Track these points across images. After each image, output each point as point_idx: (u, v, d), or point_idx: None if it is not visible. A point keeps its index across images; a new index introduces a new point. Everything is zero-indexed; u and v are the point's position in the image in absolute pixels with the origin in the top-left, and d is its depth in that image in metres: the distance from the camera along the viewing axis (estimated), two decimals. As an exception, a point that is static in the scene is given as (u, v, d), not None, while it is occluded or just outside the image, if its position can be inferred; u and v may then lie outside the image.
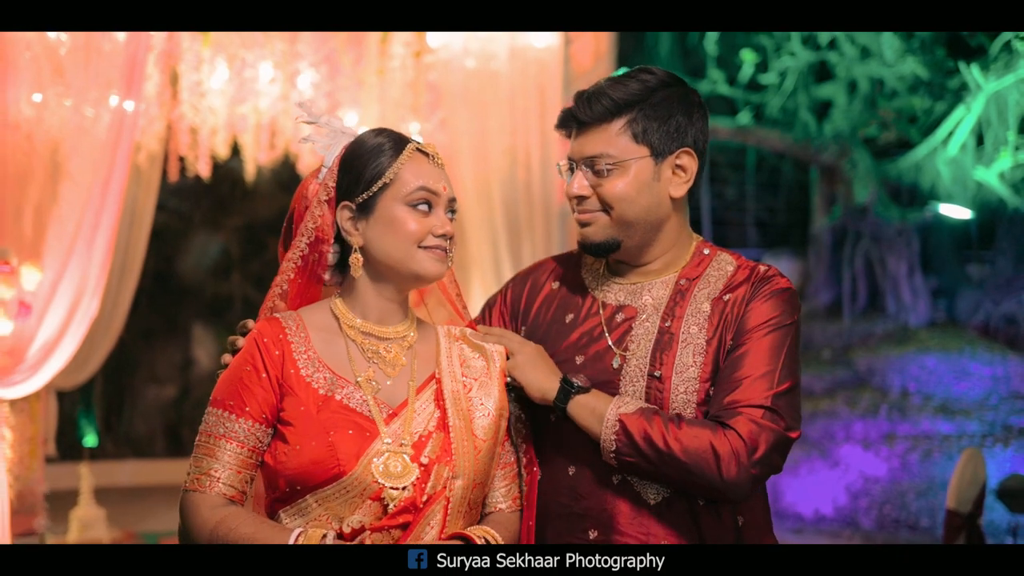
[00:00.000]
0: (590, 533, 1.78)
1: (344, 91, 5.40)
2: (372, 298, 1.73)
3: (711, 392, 1.77)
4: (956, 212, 6.95)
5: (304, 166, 5.68)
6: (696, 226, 1.94)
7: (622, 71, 1.93)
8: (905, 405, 6.67)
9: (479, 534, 1.64)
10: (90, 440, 7.31)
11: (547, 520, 1.80)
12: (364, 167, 1.70)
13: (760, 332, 1.77)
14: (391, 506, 1.60)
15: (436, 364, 1.74)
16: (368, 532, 1.58)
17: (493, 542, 1.64)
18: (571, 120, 1.85)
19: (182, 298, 8.85)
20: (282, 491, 1.63)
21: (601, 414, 1.73)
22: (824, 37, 7.17)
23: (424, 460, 1.64)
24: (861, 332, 7.25)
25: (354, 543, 1.56)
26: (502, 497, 1.76)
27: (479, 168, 5.15)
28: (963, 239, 7.50)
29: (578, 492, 1.79)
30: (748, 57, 7.44)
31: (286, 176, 6.87)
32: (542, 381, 1.78)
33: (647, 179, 1.81)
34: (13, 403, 4.36)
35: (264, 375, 1.65)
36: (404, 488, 1.61)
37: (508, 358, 1.81)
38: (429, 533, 1.62)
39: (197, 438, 1.66)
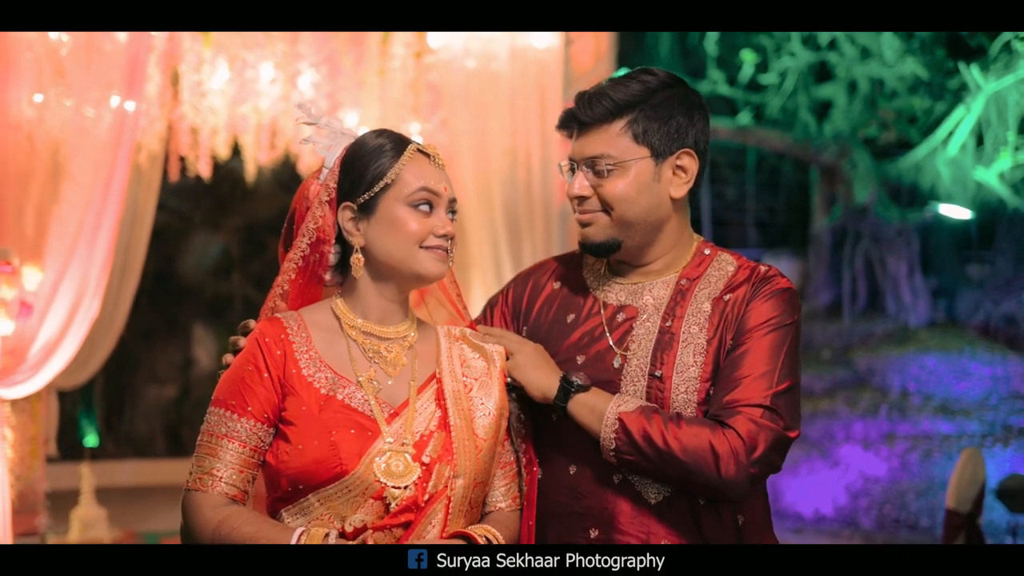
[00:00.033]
0: (591, 532, 1.78)
1: (345, 91, 5.41)
2: (373, 298, 1.73)
3: (711, 392, 1.77)
4: (956, 212, 6.95)
5: (305, 166, 5.69)
6: (696, 226, 1.95)
7: (623, 71, 1.94)
8: (905, 405, 6.68)
9: (480, 533, 1.64)
10: (91, 440, 7.32)
11: (548, 519, 1.81)
12: (365, 168, 1.71)
13: (760, 332, 1.77)
14: (393, 505, 1.60)
15: (436, 364, 1.75)
16: (370, 531, 1.58)
17: (494, 540, 1.65)
18: (572, 121, 1.85)
19: (182, 298, 8.86)
20: (284, 490, 1.63)
21: (601, 412, 1.74)
22: (824, 37, 7.18)
23: (425, 459, 1.64)
24: (861, 332, 7.26)
25: (356, 542, 1.57)
26: (502, 496, 1.77)
27: (479, 168, 5.16)
28: (963, 239, 7.50)
29: (579, 491, 1.80)
30: (748, 57, 7.45)
31: (286, 176, 6.88)
32: (542, 380, 1.78)
33: (647, 180, 1.82)
34: (14, 403, 4.37)
35: (266, 375, 1.66)
36: (406, 487, 1.61)
37: (508, 358, 1.81)
38: (431, 532, 1.63)
39: (199, 438, 1.67)
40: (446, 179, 1.74)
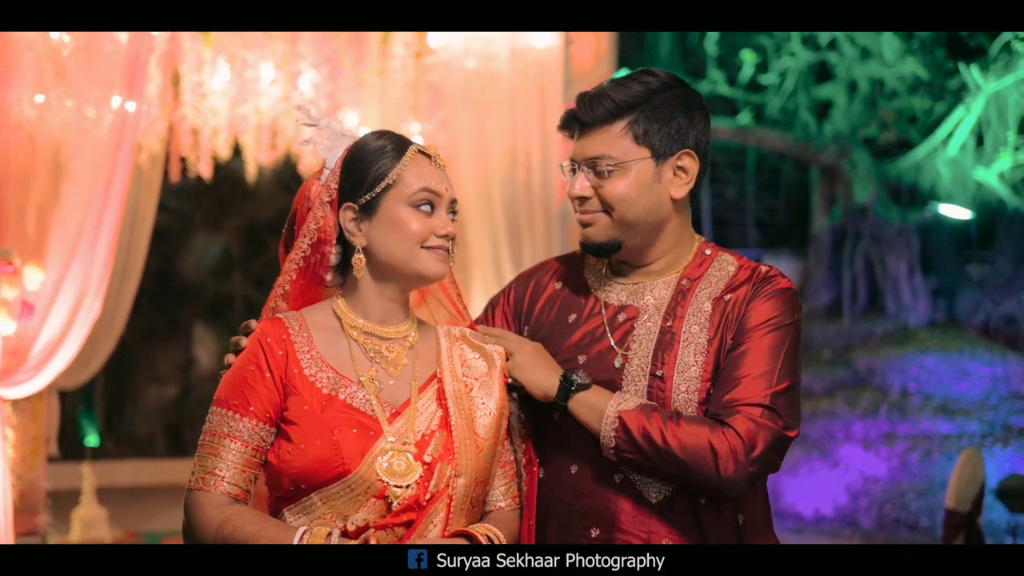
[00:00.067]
0: (592, 531, 1.79)
1: (345, 92, 5.41)
2: (374, 298, 1.74)
3: (712, 391, 1.78)
4: (956, 212, 6.96)
5: (305, 167, 5.70)
6: (696, 226, 1.95)
7: (623, 72, 1.94)
8: (905, 405, 6.68)
9: (482, 532, 1.65)
10: (91, 440, 7.33)
11: (549, 518, 1.81)
12: (367, 169, 1.71)
13: (760, 331, 1.78)
14: (395, 504, 1.61)
15: (437, 364, 1.76)
16: (372, 530, 1.59)
17: (496, 539, 1.65)
18: (573, 121, 1.86)
19: (183, 298, 8.86)
20: (286, 490, 1.64)
21: (601, 411, 1.75)
22: (824, 37, 7.18)
23: (427, 458, 1.65)
24: (861, 332, 7.26)
25: (359, 541, 1.58)
26: (502, 495, 1.78)
27: (480, 168, 5.16)
28: (963, 239, 7.51)
29: (580, 490, 1.80)
30: (748, 57, 7.45)
31: (287, 177, 6.89)
32: (542, 379, 1.79)
33: (648, 180, 1.82)
34: (15, 403, 4.37)
35: (268, 375, 1.66)
36: (408, 486, 1.62)
37: (508, 359, 1.82)
38: (432, 531, 1.64)
39: (201, 437, 1.67)
40: (447, 180, 1.75)
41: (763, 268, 1.86)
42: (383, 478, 1.61)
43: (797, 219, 8.39)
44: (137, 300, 5.65)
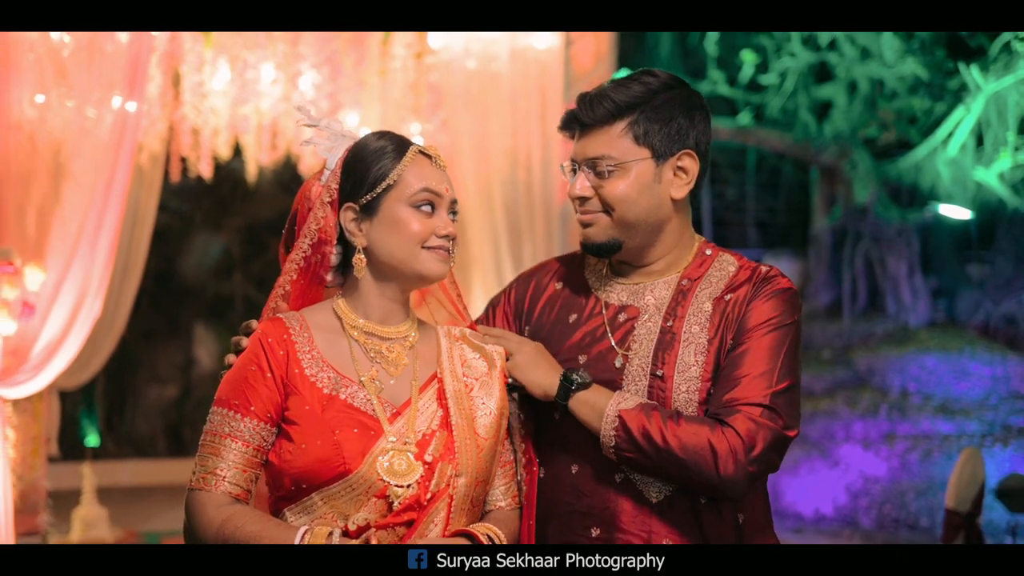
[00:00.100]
0: (592, 531, 1.79)
1: (345, 92, 5.42)
2: (375, 298, 1.75)
3: (712, 391, 1.79)
4: (956, 212, 6.96)
5: (306, 167, 5.70)
6: (696, 226, 1.96)
7: (624, 73, 1.95)
8: (905, 405, 6.68)
9: (483, 531, 1.66)
10: (92, 440, 7.33)
11: (550, 518, 1.82)
12: (368, 169, 1.72)
13: (760, 331, 1.78)
14: (396, 504, 1.62)
15: (437, 364, 1.76)
16: (373, 529, 1.59)
17: (496, 538, 1.66)
18: (574, 122, 1.87)
19: (183, 298, 8.86)
20: (287, 489, 1.64)
21: (601, 410, 1.75)
22: (824, 38, 7.18)
23: (428, 458, 1.66)
24: (861, 332, 7.26)
25: (360, 540, 1.58)
26: (501, 495, 1.78)
27: (480, 169, 5.17)
28: (963, 239, 7.51)
29: (581, 490, 1.81)
30: (748, 58, 7.45)
31: (287, 177, 6.89)
32: (542, 379, 1.80)
33: (648, 181, 1.83)
34: (16, 403, 4.37)
35: (269, 375, 1.67)
36: (409, 486, 1.63)
37: (508, 359, 1.83)
38: (433, 530, 1.64)
39: (202, 437, 1.68)
40: (447, 180, 1.75)
41: (763, 268, 1.86)
42: (384, 478, 1.62)
43: (797, 219, 8.39)
44: (137, 300, 5.66)
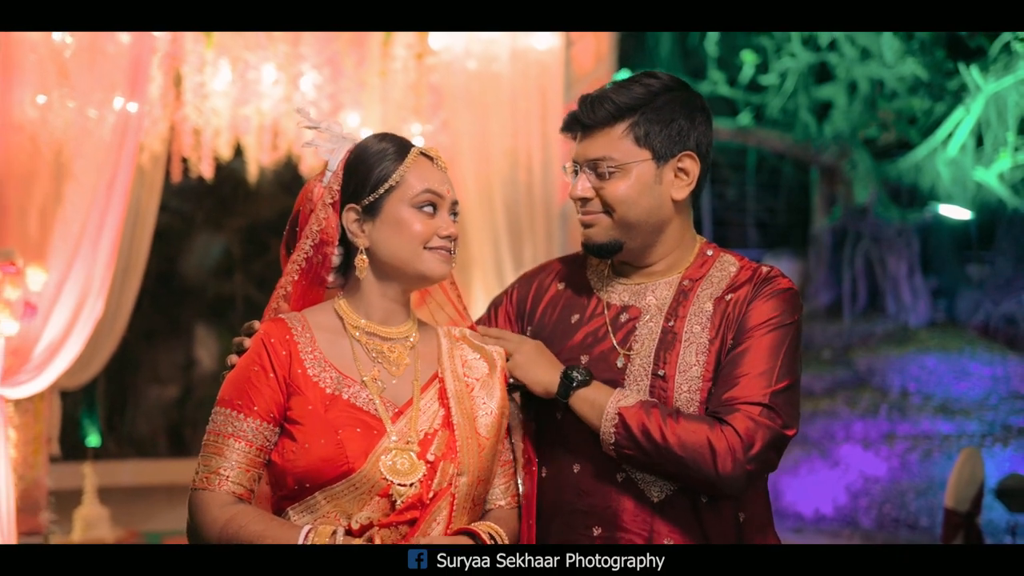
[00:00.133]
0: (594, 530, 1.80)
1: (346, 93, 5.42)
2: (376, 299, 1.75)
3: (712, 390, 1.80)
4: (956, 213, 6.96)
5: (307, 167, 5.71)
6: (697, 226, 1.96)
7: (623, 73, 1.96)
8: (905, 405, 6.69)
9: (485, 529, 1.67)
10: (93, 440, 7.33)
11: (552, 517, 1.83)
12: (370, 171, 1.73)
13: (761, 331, 1.79)
14: (399, 502, 1.63)
15: (438, 364, 1.77)
16: (376, 528, 1.60)
17: (498, 537, 1.67)
18: (575, 123, 1.88)
19: (184, 298, 8.86)
20: (290, 489, 1.65)
21: (601, 407, 1.76)
22: (824, 38, 7.19)
23: (430, 457, 1.67)
24: (861, 332, 7.27)
25: (363, 539, 1.59)
26: (501, 494, 1.79)
27: (481, 169, 5.17)
28: (963, 239, 7.51)
29: (582, 489, 1.82)
30: (748, 58, 7.46)
31: (288, 177, 6.90)
32: (543, 376, 1.81)
33: (649, 182, 1.84)
34: (17, 403, 4.38)
35: (272, 375, 1.68)
36: (411, 485, 1.64)
37: (508, 359, 1.84)
38: (435, 529, 1.65)
39: (205, 438, 1.69)
40: (448, 181, 1.77)
41: (764, 268, 1.87)
42: (387, 477, 1.63)
43: (797, 219, 8.39)
44: (139, 300, 5.65)
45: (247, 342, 1.73)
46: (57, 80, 4.34)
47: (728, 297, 1.83)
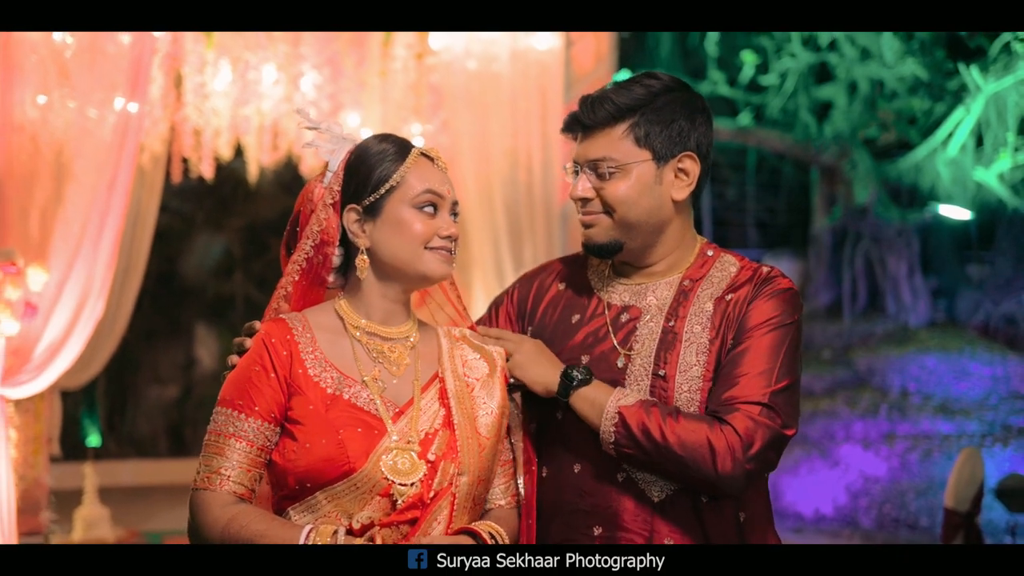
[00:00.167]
0: (595, 530, 1.81)
1: (346, 93, 5.43)
2: (377, 299, 1.76)
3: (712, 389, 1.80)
4: (956, 213, 6.97)
5: (307, 168, 5.71)
6: (697, 226, 1.97)
7: (623, 73, 1.96)
8: (905, 405, 6.69)
9: (485, 529, 1.68)
10: (93, 440, 7.34)
11: (553, 517, 1.83)
12: (371, 171, 1.73)
13: (761, 331, 1.79)
14: (400, 502, 1.63)
15: (439, 364, 1.78)
16: (377, 528, 1.61)
17: (499, 536, 1.68)
18: (576, 124, 1.88)
19: (185, 299, 8.88)
20: (291, 488, 1.65)
21: (601, 406, 1.77)
22: (824, 38, 7.19)
23: (431, 457, 1.67)
24: (861, 332, 7.27)
25: (364, 538, 1.60)
26: (501, 494, 1.80)
27: (481, 170, 5.18)
28: (963, 239, 7.52)
29: (583, 489, 1.82)
30: (748, 58, 7.46)
31: (288, 177, 6.91)
32: (543, 375, 1.82)
33: (649, 182, 1.84)
34: (18, 403, 4.38)
35: (273, 375, 1.68)
36: (412, 484, 1.64)
37: (508, 359, 1.84)
38: (436, 528, 1.65)
39: (206, 438, 1.69)
40: (449, 182, 1.77)
41: (764, 269, 1.87)
42: (388, 476, 1.63)
43: (797, 219, 8.40)
44: (139, 300, 5.66)
45: (248, 342, 1.73)
46: (58, 80, 4.35)
47: (728, 297, 1.84)
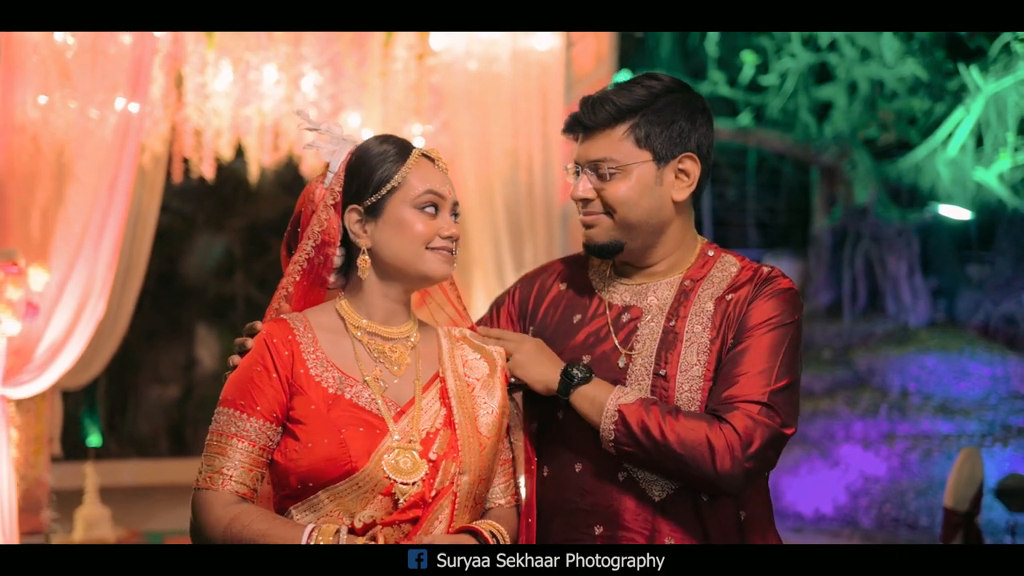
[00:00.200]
0: (596, 529, 1.81)
1: (347, 93, 5.43)
2: (378, 299, 1.77)
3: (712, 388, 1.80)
4: (956, 213, 6.97)
5: (307, 168, 5.72)
6: (697, 227, 1.97)
7: (623, 74, 1.97)
8: (905, 405, 6.69)
9: (487, 528, 1.69)
10: (94, 440, 7.34)
11: (554, 516, 1.84)
12: (372, 172, 1.74)
13: (761, 330, 1.80)
14: (402, 501, 1.64)
15: (439, 363, 1.78)
16: (379, 527, 1.61)
17: (500, 535, 1.69)
18: (577, 125, 1.89)
19: (185, 299, 8.88)
20: (293, 488, 1.66)
21: (601, 404, 1.78)
22: (824, 38, 7.20)
23: (432, 456, 1.68)
24: (861, 332, 7.27)
25: (366, 537, 1.60)
26: (501, 493, 1.81)
27: (481, 170, 5.18)
28: (963, 240, 7.52)
29: (584, 489, 1.83)
30: (749, 59, 7.47)
31: (289, 178, 6.91)
32: (544, 374, 1.83)
33: (649, 183, 1.85)
34: (19, 403, 4.39)
35: (274, 375, 1.69)
36: (414, 483, 1.65)
37: (508, 359, 1.85)
38: (437, 527, 1.66)
39: (208, 438, 1.69)
40: (449, 182, 1.78)
41: (765, 269, 1.88)
42: (390, 475, 1.64)
43: (797, 220, 8.40)
44: (140, 300, 5.67)
45: (249, 342, 1.74)
46: (59, 81, 4.36)
47: (729, 297, 1.84)
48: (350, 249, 1.77)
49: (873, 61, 7.06)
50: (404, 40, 5.26)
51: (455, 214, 1.78)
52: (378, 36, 5.32)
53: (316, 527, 1.60)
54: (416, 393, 1.73)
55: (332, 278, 1.79)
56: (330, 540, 1.58)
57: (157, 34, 4.70)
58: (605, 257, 1.91)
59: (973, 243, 7.53)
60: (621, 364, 1.84)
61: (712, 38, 7.49)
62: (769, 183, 8.54)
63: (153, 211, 5.45)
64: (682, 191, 1.87)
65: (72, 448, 6.42)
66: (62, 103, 4.35)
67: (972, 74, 6.44)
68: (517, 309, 2.00)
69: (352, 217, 1.75)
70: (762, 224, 8.62)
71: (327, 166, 1.80)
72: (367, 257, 1.74)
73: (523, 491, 1.86)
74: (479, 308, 4.79)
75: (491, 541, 1.67)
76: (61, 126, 4.34)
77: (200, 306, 8.94)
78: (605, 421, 1.76)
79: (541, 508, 1.85)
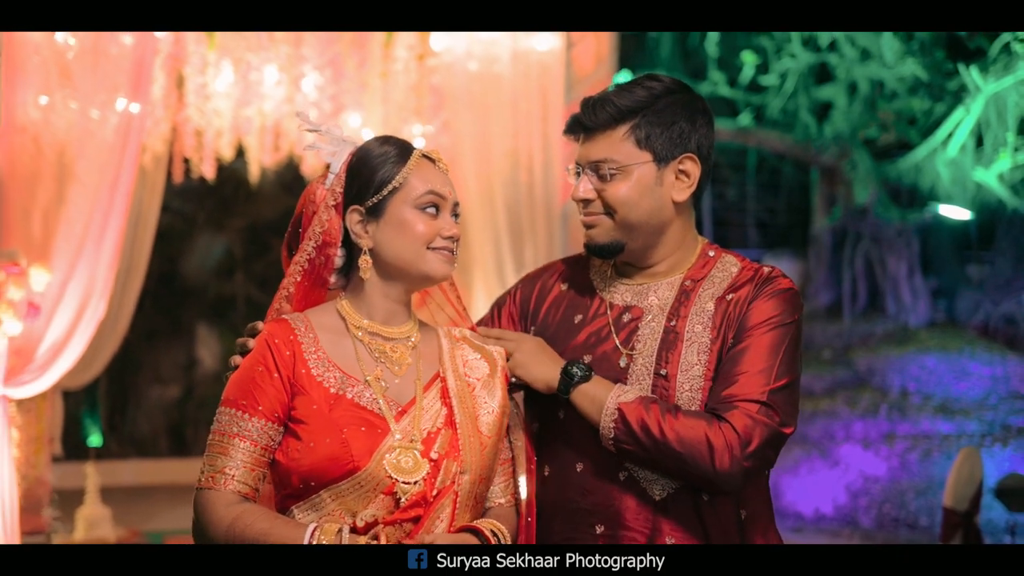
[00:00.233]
0: (597, 528, 1.82)
1: (348, 94, 5.44)
2: (379, 299, 1.77)
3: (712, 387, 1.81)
4: (956, 213, 6.98)
5: (308, 168, 5.72)
6: (697, 227, 1.98)
7: (624, 74, 1.97)
8: (905, 405, 6.70)
9: (488, 527, 1.70)
10: (94, 440, 7.35)
11: (555, 515, 1.85)
12: (373, 173, 1.75)
13: (761, 330, 1.80)
14: (403, 500, 1.65)
15: (440, 363, 1.79)
16: (381, 526, 1.62)
17: (501, 534, 1.70)
18: (578, 126, 1.90)
19: (186, 299, 8.89)
20: (295, 487, 1.67)
21: (601, 402, 1.78)
22: (824, 39, 7.20)
23: (434, 455, 1.69)
24: (861, 332, 7.28)
25: (368, 536, 1.61)
26: (501, 492, 1.81)
27: (481, 170, 5.18)
28: (963, 240, 7.52)
29: (585, 488, 1.83)
30: (749, 59, 7.47)
31: (290, 178, 6.92)
32: (544, 372, 1.83)
33: (649, 183, 1.85)
34: (20, 402, 4.39)
35: (276, 375, 1.69)
36: (415, 482, 1.66)
37: (508, 359, 1.85)
38: (439, 526, 1.67)
39: (210, 438, 1.70)
40: (450, 183, 1.79)
41: (765, 269, 1.89)
42: (392, 475, 1.64)
43: (797, 220, 8.41)
44: (140, 301, 5.67)
45: (251, 343, 1.74)
46: (60, 81, 4.36)
47: (729, 297, 1.85)
48: (351, 249, 1.77)
49: (873, 61, 7.06)
50: (404, 40, 5.27)
51: (456, 214, 1.79)
52: (378, 37, 5.32)
53: (318, 526, 1.61)
54: (417, 393, 1.74)
55: (333, 278, 1.80)
56: (332, 540, 1.58)
57: (158, 34, 4.70)
58: (606, 257, 1.91)
59: (973, 243, 7.53)
60: (622, 364, 1.85)
61: (712, 38, 7.50)
62: (769, 183, 8.55)
63: (154, 211, 5.45)
64: (682, 192, 1.87)
65: (73, 448, 6.43)
66: (63, 103, 4.35)
67: (972, 74, 6.44)
68: (518, 309, 2.00)
69: (353, 218, 1.75)
70: (762, 224, 8.62)
71: (328, 167, 1.81)
72: (368, 257, 1.75)
73: (523, 490, 1.87)
74: (479, 308, 4.80)
75: (492, 540, 1.67)
76: (62, 126, 4.35)
77: (201, 306, 8.95)
78: (605, 419, 1.77)
79: (542, 507, 1.86)
